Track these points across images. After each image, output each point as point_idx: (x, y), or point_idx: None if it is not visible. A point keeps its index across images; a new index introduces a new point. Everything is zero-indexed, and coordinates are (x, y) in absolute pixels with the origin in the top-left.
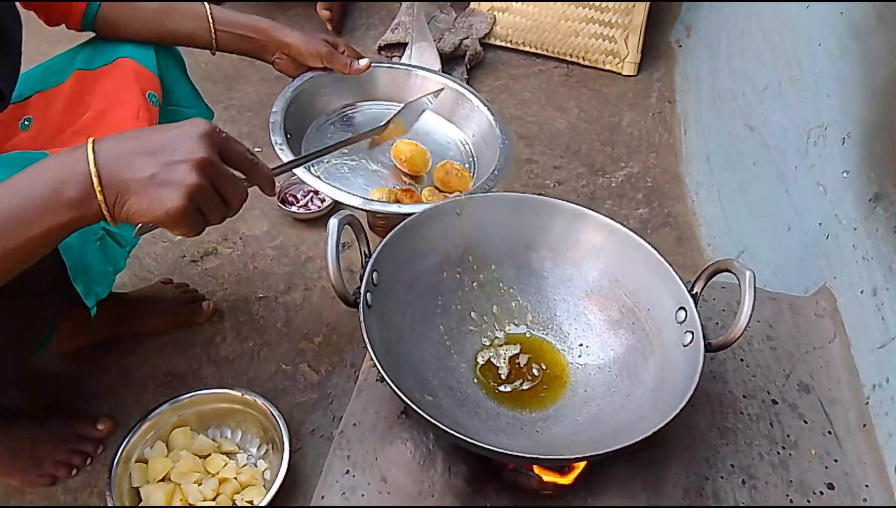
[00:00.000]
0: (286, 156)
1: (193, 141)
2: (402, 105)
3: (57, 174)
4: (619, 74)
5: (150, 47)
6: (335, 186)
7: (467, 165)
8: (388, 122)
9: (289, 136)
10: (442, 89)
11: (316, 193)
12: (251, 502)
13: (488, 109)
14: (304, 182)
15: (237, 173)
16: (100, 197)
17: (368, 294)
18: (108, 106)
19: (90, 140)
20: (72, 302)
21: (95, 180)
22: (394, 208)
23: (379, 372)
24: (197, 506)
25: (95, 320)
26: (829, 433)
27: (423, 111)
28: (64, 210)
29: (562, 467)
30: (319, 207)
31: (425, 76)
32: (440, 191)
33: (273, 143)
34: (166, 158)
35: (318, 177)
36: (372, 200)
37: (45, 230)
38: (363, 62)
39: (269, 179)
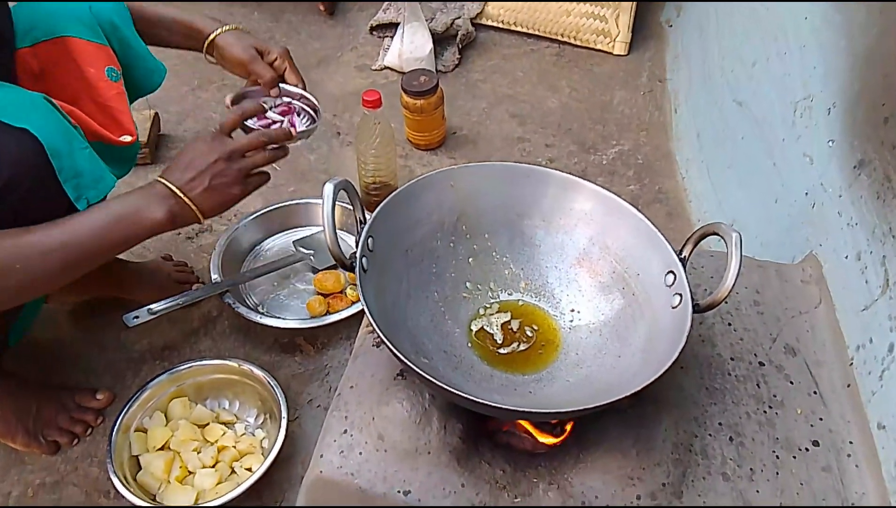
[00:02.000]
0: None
1: (211, 148)
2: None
3: (144, 202)
4: (611, 53)
5: (91, 18)
6: (279, 317)
7: None
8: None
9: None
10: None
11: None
12: (250, 469)
13: None
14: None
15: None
16: (194, 209)
17: (364, 259)
18: (68, 103)
19: (162, 179)
20: None
21: (187, 200)
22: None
23: (376, 336)
24: (200, 506)
25: (92, 277)
26: (815, 393)
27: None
28: (150, 226)
29: (554, 425)
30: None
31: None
32: (324, 295)
33: (212, 278)
34: (208, 168)
35: (261, 310)
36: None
37: (134, 241)
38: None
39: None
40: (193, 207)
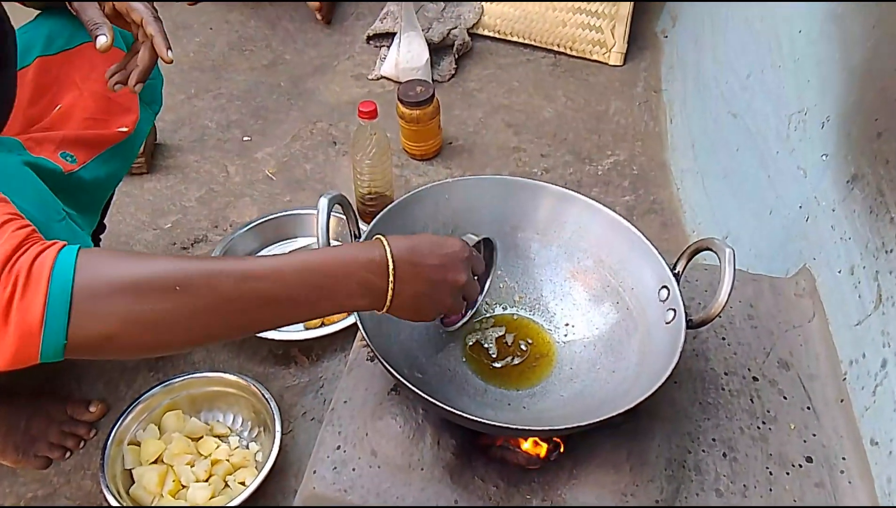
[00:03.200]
0: None
1: (459, 266)
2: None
3: (364, 270)
4: (606, 63)
5: (114, 28)
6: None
7: None
8: None
9: None
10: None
11: None
12: (244, 483)
13: None
14: None
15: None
16: (389, 295)
17: None
18: (78, 98)
19: (386, 243)
20: None
21: (391, 281)
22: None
23: (370, 350)
24: None
25: None
26: (808, 408)
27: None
28: (361, 301)
29: (548, 440)
30: None
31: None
32: None
33: None
34: (440, 277)
35: None
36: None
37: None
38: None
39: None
40: (391, 291)
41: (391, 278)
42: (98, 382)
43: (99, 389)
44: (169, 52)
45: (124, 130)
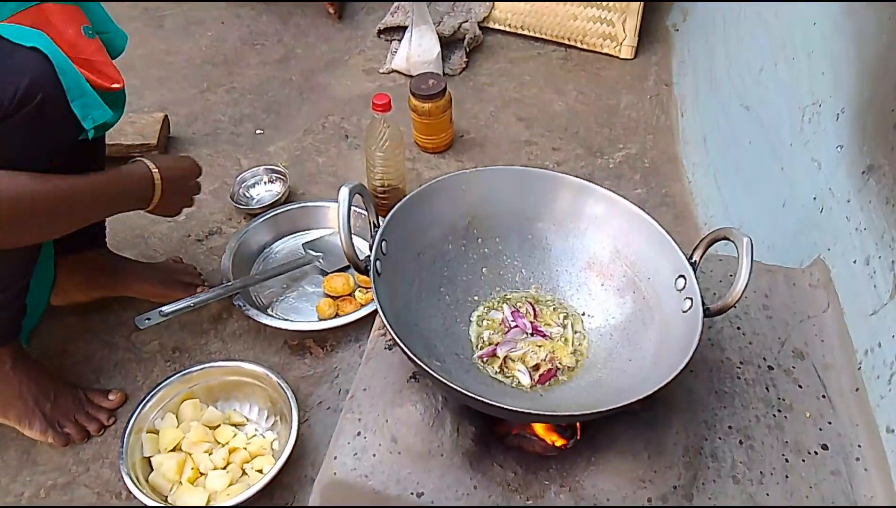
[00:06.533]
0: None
1: (195, 167)
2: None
3: (138, 182)
4: (617, 57)
5: None
6: (289, 319)
7: None
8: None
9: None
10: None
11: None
12: (261, 470)
13: None
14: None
15: None
16: (157, 199)
17: (378, 262)
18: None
19: (154, 167)
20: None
21: (159, 191)
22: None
23: (389, 337)
24: (212, 507)
25: (101, 274)
26: (823, 396)
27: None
28: (134, 203)
29: (564, 428)
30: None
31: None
32: (333, 298)
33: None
34: (190, 176)
35: (270, 312)
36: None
37: (115, 210)
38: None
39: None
40: (158, 195)
41: (160, 192)
42: (115, 372)
43: (117, 380)
44: None
45: (116, 85)
